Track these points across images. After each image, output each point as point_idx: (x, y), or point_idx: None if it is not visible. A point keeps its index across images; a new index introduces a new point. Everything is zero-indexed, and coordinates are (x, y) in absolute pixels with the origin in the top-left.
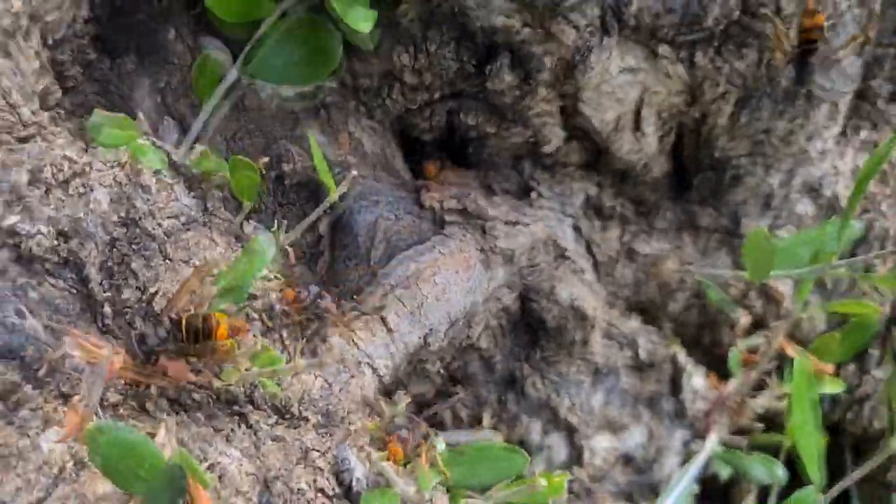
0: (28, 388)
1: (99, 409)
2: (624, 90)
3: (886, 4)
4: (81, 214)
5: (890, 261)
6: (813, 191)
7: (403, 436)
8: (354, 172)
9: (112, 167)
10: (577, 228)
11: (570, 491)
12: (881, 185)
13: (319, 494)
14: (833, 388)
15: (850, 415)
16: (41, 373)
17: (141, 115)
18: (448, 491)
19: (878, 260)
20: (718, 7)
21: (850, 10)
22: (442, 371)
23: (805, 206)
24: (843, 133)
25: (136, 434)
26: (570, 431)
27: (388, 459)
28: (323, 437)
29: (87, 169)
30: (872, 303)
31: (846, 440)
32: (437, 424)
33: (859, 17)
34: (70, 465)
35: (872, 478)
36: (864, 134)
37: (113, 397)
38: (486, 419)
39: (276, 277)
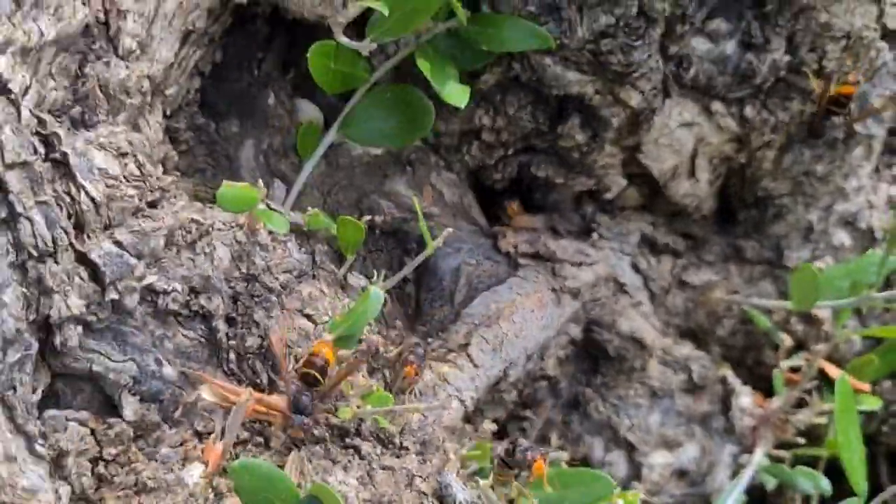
0: (166, 428)
1: (233, 448)
2: (681, 142)
3: None
4: (209, 272)
5: None
6: (849, 224)
7: (412, 359)
8: (449, 229)
9: (231, 227)
10: (634, 265)
11: None
12: None
13: None
14: (870, 404)
15: (886, 427)
16: (177, 414)
17: (260, 182)
18: None
19: None
20: (767, 68)
21: (887, 64)
22: (516, 399)
23: (842, 238)
24: (877, 169)
25: (275, 469)
26: (630, 449)
27: (405, 377)
28: (423, 463)
29: (211, 230)
30: None
31: (881, 451)
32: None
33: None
34: (212, 496)
35: None
36: (895, 169)
37: (240, 434)
38: (554, 439)
39: (375, 321)
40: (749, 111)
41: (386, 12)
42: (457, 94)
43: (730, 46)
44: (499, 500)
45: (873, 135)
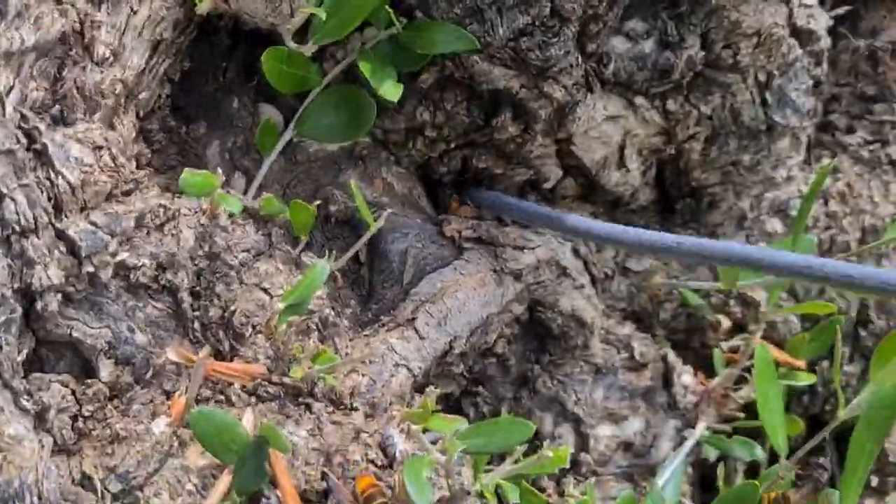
0: (138, 388)
1: (194, 402)
2: (608, 134)
3: (840, 50)
4: (175, 250)
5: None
6: (780, 211)
7: None
8: (389, 210)
9: (196, 212)
10: (575, 250)
11: (579, 473)
12: (842, 204)
13: (370, 464)
14: (805, 380)
15: (828, 406)
16: (148, 375)
17: (219, 170)
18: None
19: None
20: (684, 63)
21: (800, 59)
22: (465, 373)
23: (774, 225)
24: (807, 161)
25: (229, 416)
26: (577, 422)
27: None
28: (370, 422)
29: (177, 214)
30: (830, 304)
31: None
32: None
33: (808, 63)
34: (176, 444)
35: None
36: (825, 161)
37: (204, 392)
38: (504, 413)
39: (330, 299)
40: (671, 105)
41: (324, 17)
42: (391, 90)
43: (647, 45)
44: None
45: (794, 125)
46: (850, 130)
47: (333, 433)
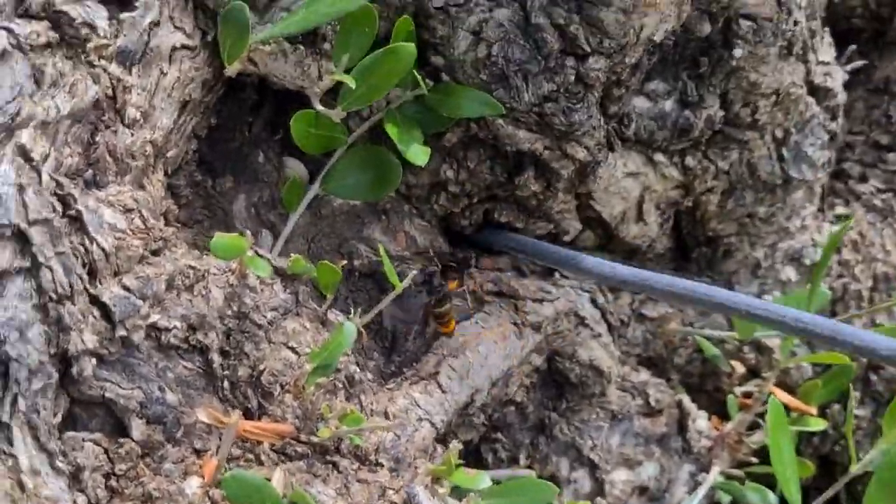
0: (169, 446)
1: (225, 462)
2: (627, 189)
3: (854, 98)
4: (205, 311)
5: (865, 318)
6: (795, 260)
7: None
8: (415, 272)
9: (224, 272)
10: (593, 300)
11: None
12: (854, 252)
13: None
14: (816, 425)
15: (838, 448)
16: (179, 434)
17: (248, 233)
18: None
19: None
20: (703, 122)
21: (816, 116)
22: (485, 422)
23: (789, 273)
24: (821, 209)
25: (261, 479)
26: (593, 467)
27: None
28: (395, 478)
29: (206, 275)
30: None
31: (837, 470)
32: (481, 464)
33: (824, 118)
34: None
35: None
36: (838, 209)
37: (234, 451)
38: (522, 459)
39: (355, 354)
40: (690, 161)
41: (353, 85)
42: (418, 154)
43: (668, 105)
44: None
45: (809, 179)
46: (863, 179)
47: (360, 492)
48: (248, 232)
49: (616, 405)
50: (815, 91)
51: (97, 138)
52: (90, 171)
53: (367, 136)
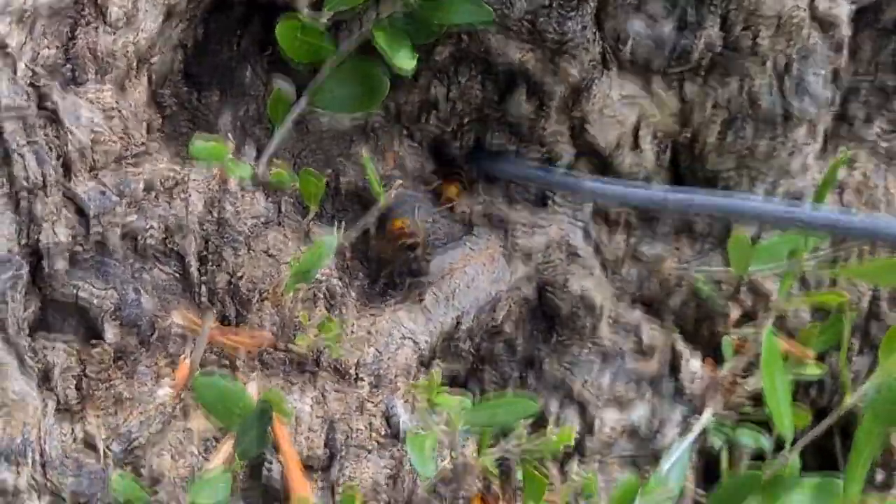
0: (143, 351)
1: (199, 367)
2: (623, 114)
3: (861, 39)
4: (183, 215)
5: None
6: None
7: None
8: (399, 182)
9: (205, 178)
10: (586, 232)
11: (582, 456)
12: (857, 195)
13: (373, 434)
14: (815, 371)
15: (836, 398)
16: (153, 338)
17: (230, 136)
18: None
19: (856, 258)
20: (702, 44)
21: (819, 46)
22: (472, 351)
23: None
24: (824, 150)
25: (233, 382)
26: (583, 406)
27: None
28: (375, 393)
29: (186, 179)
30: (843, 294)
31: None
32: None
33: (828, 51)
34: (179, 408)
35: None
36: (842, 151)
37: (209, 357)
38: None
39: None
40: (689, 89)
41: None
42: (406, 61)
43: (666, 27)
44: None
45: (811, 113)
46: (868, 121)
47: (338, 403)
48: (231, 137)
49: (608, 343)
50: (819, 20)
51: (77, 34)
52: (69, 67)
53: (356, 52)
